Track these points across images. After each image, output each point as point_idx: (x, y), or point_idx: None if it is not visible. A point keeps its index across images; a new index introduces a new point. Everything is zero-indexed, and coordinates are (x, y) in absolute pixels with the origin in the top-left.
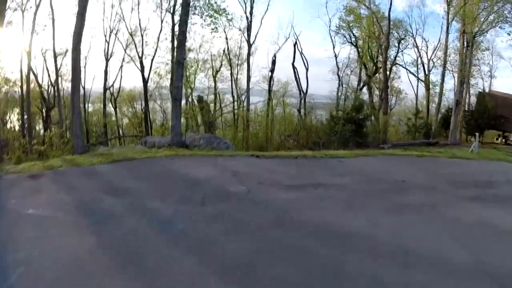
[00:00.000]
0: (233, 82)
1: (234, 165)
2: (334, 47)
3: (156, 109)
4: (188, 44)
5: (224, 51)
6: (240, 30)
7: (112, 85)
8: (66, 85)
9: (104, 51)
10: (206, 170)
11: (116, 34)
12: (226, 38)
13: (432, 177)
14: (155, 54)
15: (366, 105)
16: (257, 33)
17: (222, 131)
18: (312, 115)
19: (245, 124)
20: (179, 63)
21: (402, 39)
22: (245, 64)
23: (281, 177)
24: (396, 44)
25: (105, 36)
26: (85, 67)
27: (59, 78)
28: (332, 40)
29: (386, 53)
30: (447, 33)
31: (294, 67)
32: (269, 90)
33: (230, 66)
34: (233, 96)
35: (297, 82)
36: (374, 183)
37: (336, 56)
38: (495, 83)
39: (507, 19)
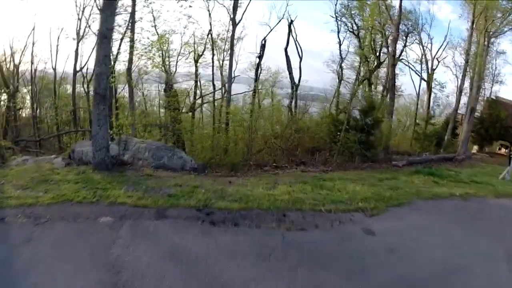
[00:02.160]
0: (214, 68)
1: (143, 260)
2: (338, 32)
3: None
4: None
5: (209, 32)
6: (225, 7)
7: (86, 66)
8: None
9: (76, 29)
10: None
11: (90, 10)
12: (210, 16)
13: None
14: (125, 32)
15: (377, 107)
16: (245, 10)
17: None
18: (306, 112)
19: (225, 122)
20: (102, 36)
21: (410, 32)
22: (231, 48)
23: None
24: (404, 38)
25: (77, 13)
26: (57, 47)
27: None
28: (337, 24)
29: (395, 45)
30: (472, 28)
31: (287, 54)
32: (256, 80)
33: (212, 49)
34: (213, 85)
35: (289, 73)
36: None
37: (340, 43)
38: (500, 90)
39: None
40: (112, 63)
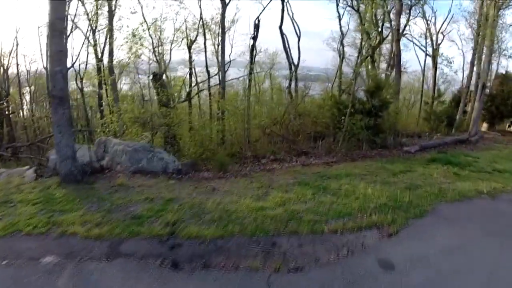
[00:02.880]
0: (209, 53)
1: None
2: (337, 5)
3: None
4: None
5: (201, 16)
6: None
7: (77, 61)
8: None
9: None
10: None
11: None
12: None
13: None
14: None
15: (383, 86)
16: None
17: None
18: (306, 94)
19: (220, 111)
20: (53, 29)
21: (414, 5)
22: (222, 30)
23: None
24: (407, 11)
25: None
26: (46, 46)
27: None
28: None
29: (399, 19)
30: None
31: (282, 32)
32: (251, 62)
33: (204, 33)
34: (208, 71)
35: (286, 53)
36: None
37: (340, 17)
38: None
39: None
40: (99, 56)
